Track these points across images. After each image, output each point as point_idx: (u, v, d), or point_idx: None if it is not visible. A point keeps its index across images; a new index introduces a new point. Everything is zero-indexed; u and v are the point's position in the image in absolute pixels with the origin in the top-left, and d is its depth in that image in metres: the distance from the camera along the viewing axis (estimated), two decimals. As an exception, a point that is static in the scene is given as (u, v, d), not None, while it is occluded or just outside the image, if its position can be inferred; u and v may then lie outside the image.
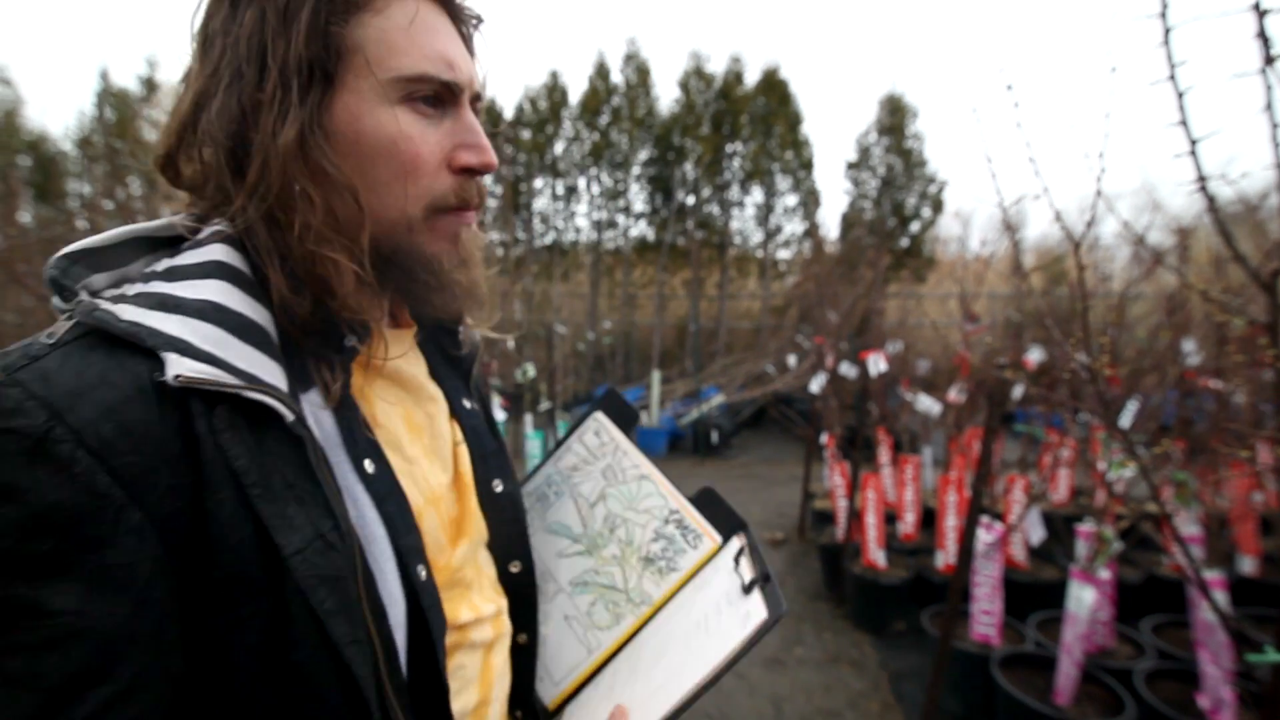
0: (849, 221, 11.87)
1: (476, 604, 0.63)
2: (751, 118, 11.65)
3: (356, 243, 0.51)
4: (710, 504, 0.73)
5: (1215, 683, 1.74)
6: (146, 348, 0.42)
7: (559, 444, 0.83)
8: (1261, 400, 2.56)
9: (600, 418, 0.81)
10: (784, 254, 12.31)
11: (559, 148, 12.11)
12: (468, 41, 0.58)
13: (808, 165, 11.92)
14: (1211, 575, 1.72)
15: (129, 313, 0.44)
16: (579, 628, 0.73)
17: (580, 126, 11.97)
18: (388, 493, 0.53)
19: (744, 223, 12.20)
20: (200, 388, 0.42)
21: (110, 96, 11.11)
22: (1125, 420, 2.89)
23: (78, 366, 0.41)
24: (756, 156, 11.65)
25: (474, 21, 0.59)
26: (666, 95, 13.92)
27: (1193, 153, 1.15)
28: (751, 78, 11.80)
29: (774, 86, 11.67)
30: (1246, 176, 1.16)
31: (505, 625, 0.68)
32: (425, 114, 0.52)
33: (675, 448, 7.46)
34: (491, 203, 11.94)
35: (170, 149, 0.52)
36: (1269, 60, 1.01)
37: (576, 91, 12.05)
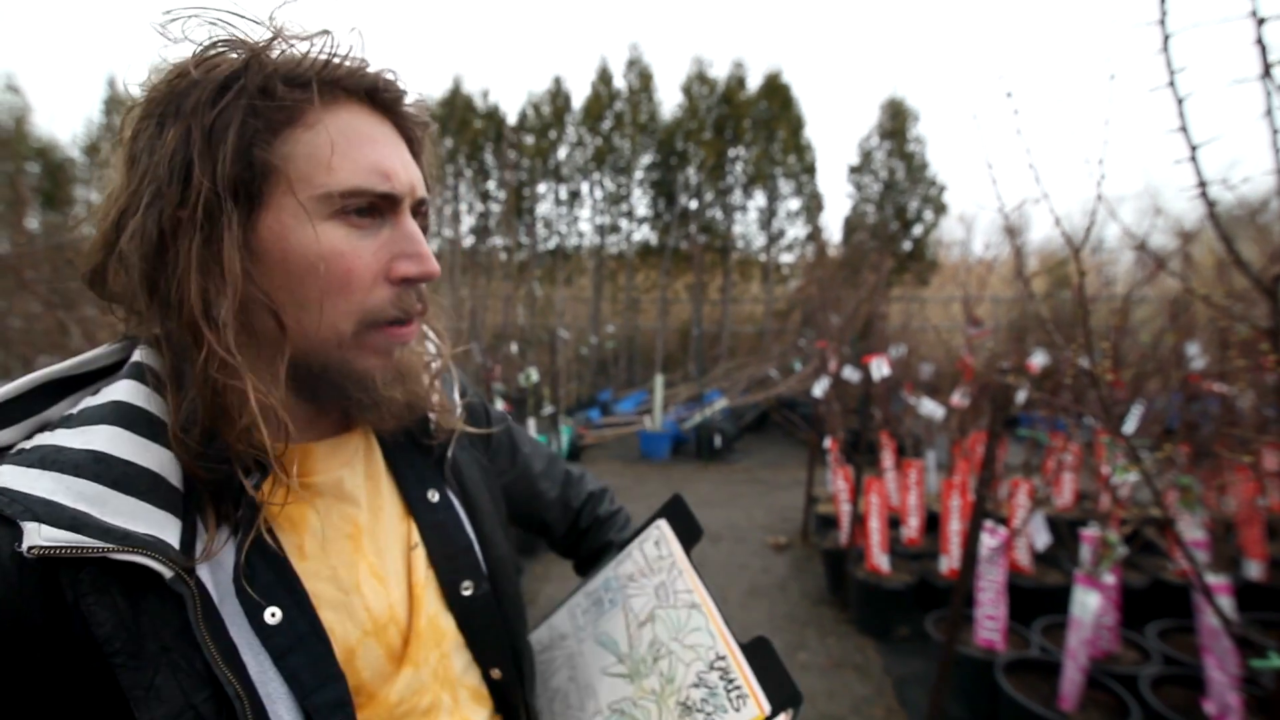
0: (851, 225, 11.91)
1: None
2: (754, 122, 11.70)
3: (274, 365, 0.49)
4: (762, 658, 0.65)
5: (1221, 688, 1.73)
6: (7, 516, 0.41)
7: (623, 545, 0.80)
8: (1266, 405, 2.55)
9: (663, 527, 0.77)
10: (787, 258, 12.37)
11: (562, 153, 12.18)
12: (413, 143, 0.55)
13: (810, 169, 11.96)
14: (1217, 580, 1.72)
15: (4, 476, 0.42)
16: None
17: (583, 132, 12.05)
18: (294, 644, 0.49)
19: (746, 227, 12.25)
20: (61, 556, 0.40)
21: (117, 104, 11.21)
22: (1130, 424, 2.89)
23: None
24: (759, 161, 11.69)
25: (419, 126, 0.56)
26: (669, 100, 14.00)
27: (1193, 158, 1.15)
28: (754, 82, 11.87)
29: (776, 91, 11.72)
30: (1247, 181, 1.16)
31: None
32: (360, 226, 0.51)
33: (679, 452, 7.46)
34: (495, 208, 12.02)
35: (97, 265, 0.51)
36: (1268, 66, 1.02)
37: (579, 97, 12.18)
